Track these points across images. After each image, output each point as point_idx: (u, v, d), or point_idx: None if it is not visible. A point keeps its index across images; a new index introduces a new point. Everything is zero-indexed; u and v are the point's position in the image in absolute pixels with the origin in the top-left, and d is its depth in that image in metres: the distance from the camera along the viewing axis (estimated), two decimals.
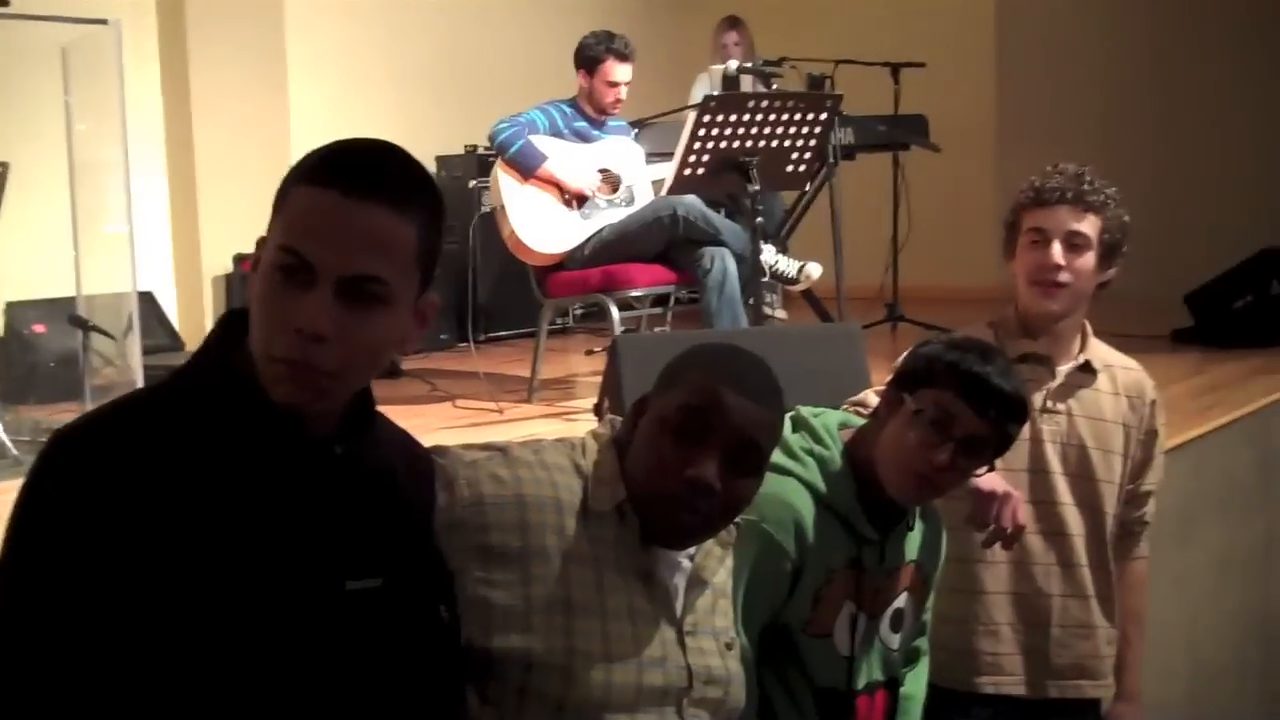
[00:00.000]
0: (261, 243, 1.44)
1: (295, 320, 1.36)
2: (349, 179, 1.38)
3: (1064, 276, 2.59)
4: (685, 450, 1.79)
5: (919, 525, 2.27)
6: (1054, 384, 2.66)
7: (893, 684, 2.26)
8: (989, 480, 2.29)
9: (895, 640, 2.24)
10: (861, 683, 2.18)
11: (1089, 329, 2.73)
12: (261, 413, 1.42)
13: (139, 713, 1.34)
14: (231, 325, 1.47)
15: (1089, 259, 2.61)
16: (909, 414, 2.10)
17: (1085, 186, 2.61)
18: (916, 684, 2.36)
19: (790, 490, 2.09)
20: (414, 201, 1.43)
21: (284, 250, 1.38)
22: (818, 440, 2.17)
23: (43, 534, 1.34)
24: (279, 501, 1.43)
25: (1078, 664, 2.68)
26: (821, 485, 2.13)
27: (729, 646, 1.92)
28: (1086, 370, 2.68)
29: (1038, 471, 2.63)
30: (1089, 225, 2.60)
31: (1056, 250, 2.59)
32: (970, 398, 2.07)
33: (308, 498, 1.45)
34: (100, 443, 1.38)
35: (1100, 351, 2.73)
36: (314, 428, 1.46)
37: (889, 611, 2.22)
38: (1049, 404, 2.65)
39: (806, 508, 2.10)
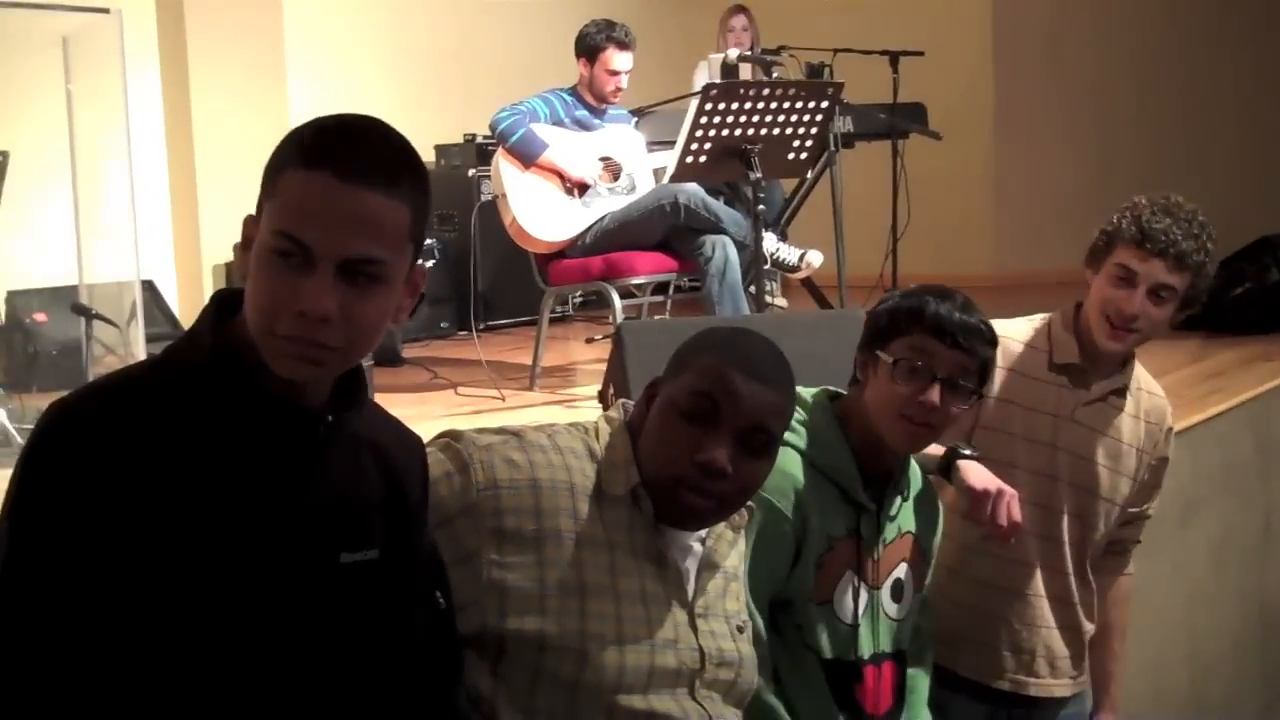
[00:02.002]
0: (251, 221, 1.45)
1: (298, 303, 1.38)
2: (341, 162, 1.39)
3: (1138, 324, 2.53)
4: (697, 434, 1.81)
5: (915, 497, 2.32)
6: (1086, 398, 2.64)
7: (900, 656, 2.29)
8: (983, 478, 2.33)
9: (897, 610, 2.28)
10: (868, 653, 2.21)
11: (1134, 351, 2.69)
12: (253, 387, 1.44)
13: (139, 684, 1.36)
14: (222, 304, 1.49)
15: (1168, 310, 2.54)
16: (888, 368, 2.17)
17: (1191, 244, 2.49)
18: (924, 663, 2.40)
19: (787, 459, 2.13)
20: (405, 180, 1.44)
21: (280, 235, 1.39)
22: (809, 411, 2.22)
23: (43, 504, 1.35)
24: (272, 475, 1.44)
25: (1055, 665, 2.71)
26: (816, 454, 2.18)
27: (740, 629, 1.95)
28: (1119, 393, 2.66)
29: (1046, 476, 2.63)
30: (1180, 280, 2.50)
31: (1139, 299, 2.51)
32: (940, 334, 2.15)
33: (300, 470, 1.47)
34: (98, 415, 1.39)
35: (1135, 375, 2.71)
36: (307, 400, 1.48)
37: (889, 582, 2.26)
38: (1075, 415, 2.64)
39: (804, 475, 2.15)
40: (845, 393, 2.31)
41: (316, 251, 1.38)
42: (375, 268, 1.41)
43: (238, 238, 1.46)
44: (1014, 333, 2.66)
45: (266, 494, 1.44)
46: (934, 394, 2.13)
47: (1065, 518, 2.66)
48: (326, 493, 1.50)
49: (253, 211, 1.45)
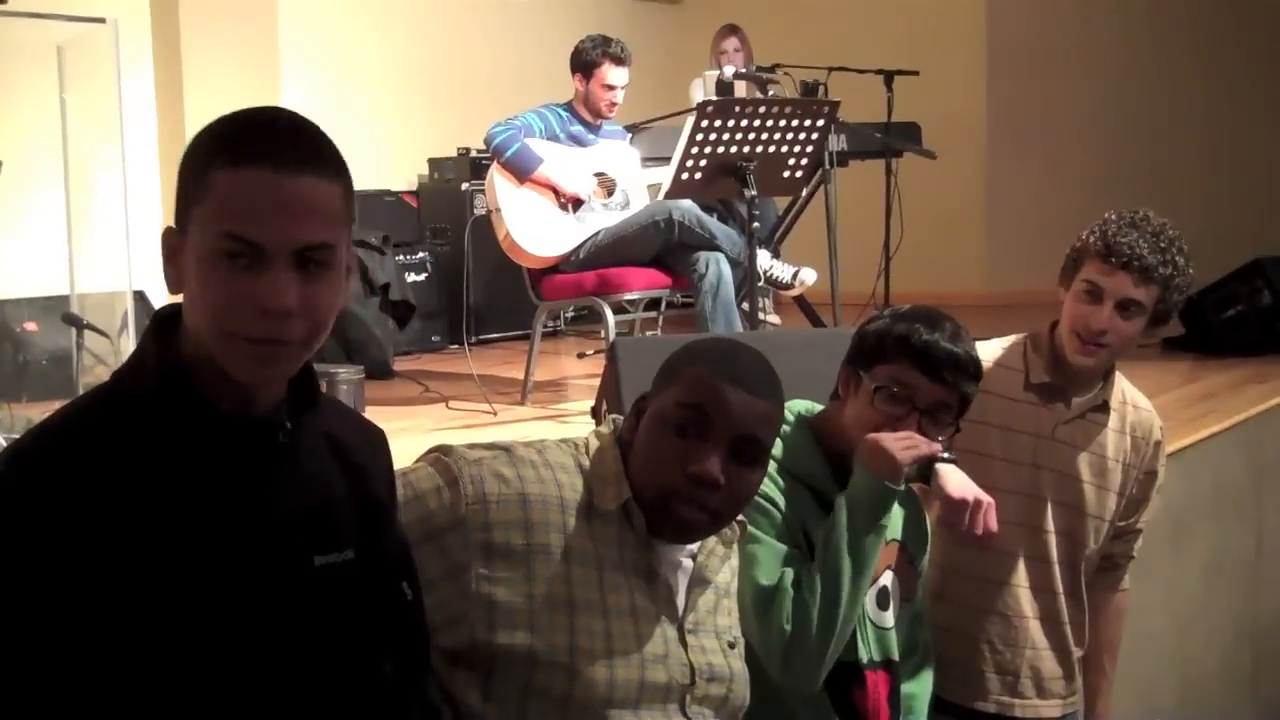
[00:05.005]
0: (173, 233, 1.43)
1: (259, 301, 1.36)
2: (278, 154, 1.39)
3: (1106, 339, 2.51)
4: (688, 446, 1.81)
5: (898, 506, 2.29)
6: (1066, 416, 2.63)
7: (890, 666, 2.26)
8: (961, 486, 2.32)
9: (886, 619, 2.26)
10: (865, 658, 2.20)
11: (1114, 366, 2.67)
12: (206, 408, 1.42)
13: (123, 703, 1.35)
14: (162, 323, 1.47)
15: (1138, 324, 2.51)
16: (869, 392, 2.15)
17: (1156, 258, 2.46)
18: (922, 681, 2.38)
19: None
20: (330, 159, 1.43)
21: (226, 236, 1.37)
22: (784, 422, 2.20)
23: (7, 554, 1.33)
24: (237, 489, 1.43)
25: (1044, 686, 2.69)
26: (791, 462, 2.17)
27: (732, 645, 1.94)
28: (1100, 409, 2.65)
29: (1030, 496, 2.62)
30: (1147, 294, 2.48)
31: (1106, 313, 2.49)
32: (925, 367, 2.13)
33: (265, 480, 1.46)
34: (54, 458, 1.36)
35: (1118, 389, 2.69)
36: (260, 410, 1.46)
37: (874, 589, 2.24)
38: (1056, 434, 2.63)
39: (779, 483, 2.14)
40: (820, 406, 2.30)
41: (268, 247, 1.37)
42: (325, 253, 1.40)
43: None
44: (990, 354, 2.62)
45: (234, 508, 1.42)
46: (912, 425, 2.12)
47: (1053, 537, 2.65)
48: (294, 498, 1.48)
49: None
